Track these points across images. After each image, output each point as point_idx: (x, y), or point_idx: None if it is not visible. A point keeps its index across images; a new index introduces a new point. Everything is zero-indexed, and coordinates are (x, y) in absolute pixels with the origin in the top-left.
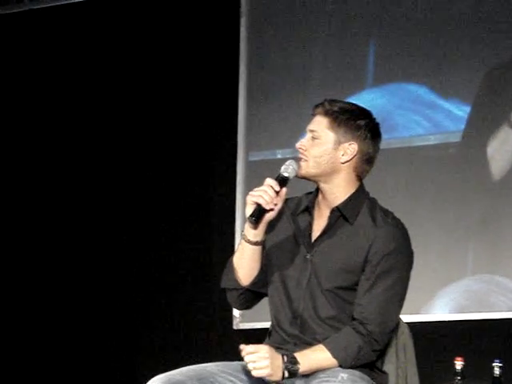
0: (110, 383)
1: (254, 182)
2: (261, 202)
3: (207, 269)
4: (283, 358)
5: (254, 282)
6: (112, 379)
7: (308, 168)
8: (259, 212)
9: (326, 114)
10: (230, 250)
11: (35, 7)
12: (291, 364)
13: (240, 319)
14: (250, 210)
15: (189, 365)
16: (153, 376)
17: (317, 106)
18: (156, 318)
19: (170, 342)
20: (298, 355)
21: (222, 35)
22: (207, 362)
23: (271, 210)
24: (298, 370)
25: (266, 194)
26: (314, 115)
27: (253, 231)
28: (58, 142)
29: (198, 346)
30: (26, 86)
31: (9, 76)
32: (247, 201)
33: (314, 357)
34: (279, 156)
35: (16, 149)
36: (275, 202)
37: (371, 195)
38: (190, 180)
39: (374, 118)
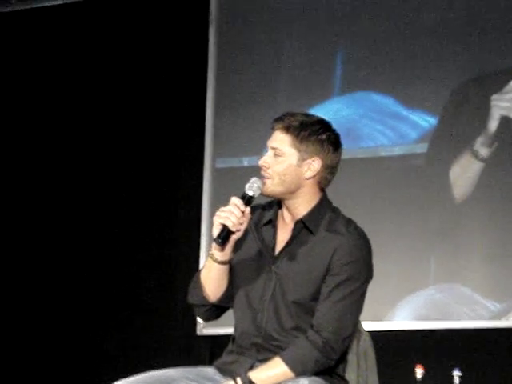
0: None
1: (220, 189)
2: (228, 223)
3: (171, 274)
4: (236, 382)
5: (222, 298)
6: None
7: (273, 186)
8: (226, 233)
9: (288, 130)
10: (195, 257)
11: (21, 8)
12: None
13: (203, 325)
14: (216, 231)
15: (151, 370)
16: (113, 381)
17: (277, 121)
18: (118, 323)
19: (133, 347)
20: (255, 375)
21: (190, 43)
22: (170, 367)
23: (238, 230)
24: None
25: (233, 216)
26: (274, 129)
27: (220, 252)
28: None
29: (161, 352)
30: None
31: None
32: (214, 222)
33: (271, 373)
34: (246, 163)
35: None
36: (241, 222)
37: (334, 204)
38: (156, 185)
39: (334, 130)
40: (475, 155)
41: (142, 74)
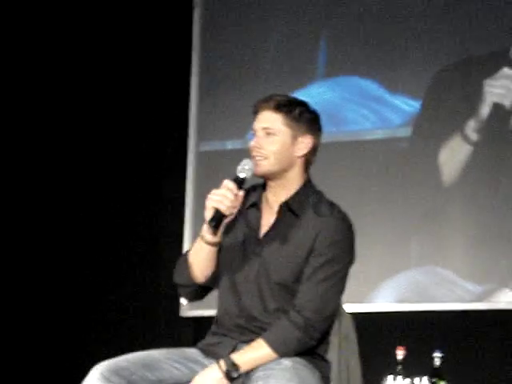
0: (55, 369)
1: (204, 172)
2: (221, 207)
3: (155, 256)
4: (220, 366)
5: (209, 279)
6: (57, 365)
7: (269, 165)
8: (219, 217)
9: (277, 109)
10: (178, 239)
11: None
12: (232, 369)
13: (187, 307)
14: (209, 215)
15: (135, 351)
16: (97, 362)
17: (263, 102)
18: (102, 304)
19: (116, 329)
20: (238, 357)
21: (174, 25)
22: (154, 349)
23: (230, 214)
24: (239, 373)
25: (226, 199)
26: (261, 110)
27: (211, 234)
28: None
29: (144, 334)
30: None
31: None
32: (206, 205)
33: (254, 355)
34: (229, 147)
35: None
36: (234, 206)
37: (318, 188)
38: (140, 168)
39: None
40: (466, 139)
41: (125, 57)
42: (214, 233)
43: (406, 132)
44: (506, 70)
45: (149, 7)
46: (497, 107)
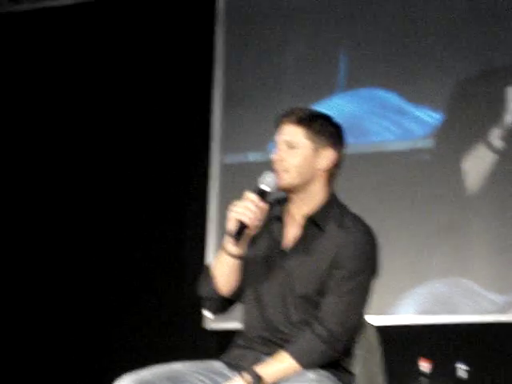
0: (79, 382)
1: (227, 185)
2: (244, 219)
3: (179, 268)
4: (244, 378)
5: (233, 292)
6: (82, 377)
7: (290, 178)
8: (241, 229)
9: (299, 122)
10: (201, 251)
11: (29, 8)
12: (255, 382)
13: (211, 320)
14: (231, 226)
15: (159, 364)
16: (121, 375)
17: (285, 115)
18: (127, 317)
19: (141, 341)
20: (262, 369)
21: (197, 39)
22: (177, 361)
23: (255, 226)
24: None
25: (249, 211)
26: (282, 124)
27: (235, 246)
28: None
29: (168, 346)
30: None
31: None
32: (229, 216)
33: (278, 367)
34: (251, 159)
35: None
36: (259, 218)
37: (341, 200)
38: (163, 181)
39: (340, 124)
40: (490, 147)
41: (149, 71)
42: (236, 244)
43: (427, 143)
44: None
45: (172, 23)
46: None
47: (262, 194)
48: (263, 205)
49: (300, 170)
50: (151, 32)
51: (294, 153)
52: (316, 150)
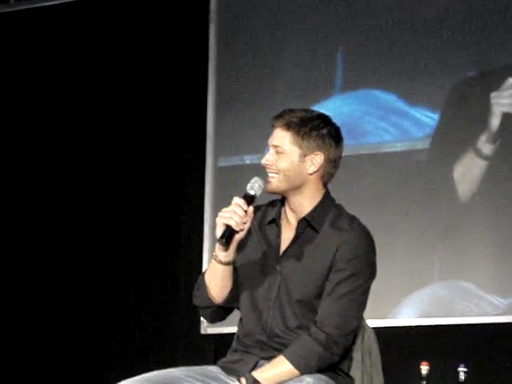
0: None
1: (222, 188)
2: (231, 223)
3: (175, 272)
4: (242, 383)
5: (227, 299)
6: (78, 383)
7: (278, 182)
8: (229, 233)
9: (288, 127)
10: (198, 256)
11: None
12: None
13: (207, 324)
14: (220, 232)
15: (156, 370)
16: (117, 381)
17: (276, 118)
18: (123, 322)
19: (137, 346)
20: (259, 374)
21: (191, 41)
22: (174, 366)
23: (241, 230)
24: None
25: (236, 215)
26: (274, 127)
27: (224, 252)
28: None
29: (164, 351)
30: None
31: None
32: (217, 222)
33: (276, 372)
34: (247, 162)
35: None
36: (244, 221)
37: (337, 201)
38: (157, 185)
39: (334, 123)
40: (478, 153)
41: (142, 73)
42: (225, 250)
43: (425, 144)
44: (511, 80)
45: (165, 25)
46: (506, 117)
47: (249, 199)
48: (250, 208)
49: (288, 174)
50: (145, 33)
51: (281, 158)
52: (303, 156)
